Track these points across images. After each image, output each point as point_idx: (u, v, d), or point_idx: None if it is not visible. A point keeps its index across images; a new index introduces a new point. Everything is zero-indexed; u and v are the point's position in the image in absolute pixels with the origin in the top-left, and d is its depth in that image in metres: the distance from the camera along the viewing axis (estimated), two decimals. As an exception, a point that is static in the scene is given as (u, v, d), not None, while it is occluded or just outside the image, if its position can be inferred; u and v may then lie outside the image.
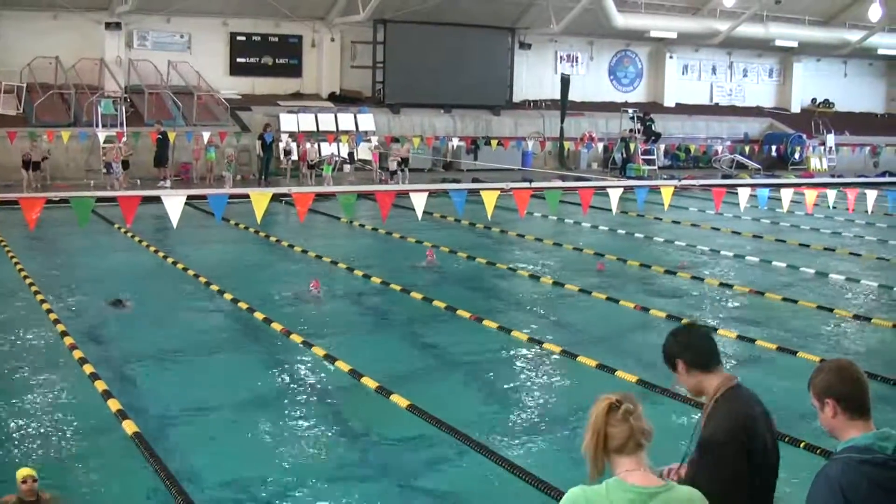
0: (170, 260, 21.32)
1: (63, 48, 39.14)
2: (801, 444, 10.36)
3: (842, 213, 30.93)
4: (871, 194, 20.85)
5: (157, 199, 15.23)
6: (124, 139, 34.86)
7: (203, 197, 18.56)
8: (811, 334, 16.38)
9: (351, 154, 40.40)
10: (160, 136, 35.12)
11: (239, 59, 44.25)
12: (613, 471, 4.32)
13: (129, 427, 10.36)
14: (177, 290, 19.06)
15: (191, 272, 19.86)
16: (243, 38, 44.16)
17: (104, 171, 33.62)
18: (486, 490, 9.65)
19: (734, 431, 5.18)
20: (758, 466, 5.27)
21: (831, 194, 21.54)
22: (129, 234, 23.88)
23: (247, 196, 16.28)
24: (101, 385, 11.92)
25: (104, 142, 34.65)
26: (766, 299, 18.85)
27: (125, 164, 33.56)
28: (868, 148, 54.85)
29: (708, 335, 5.70)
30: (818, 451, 9.80)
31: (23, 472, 8.65)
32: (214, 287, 18.42)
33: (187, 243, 23.96)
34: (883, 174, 50.85)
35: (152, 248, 22.59)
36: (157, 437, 10.53)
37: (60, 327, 14.98)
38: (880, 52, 57.43)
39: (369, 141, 40.94)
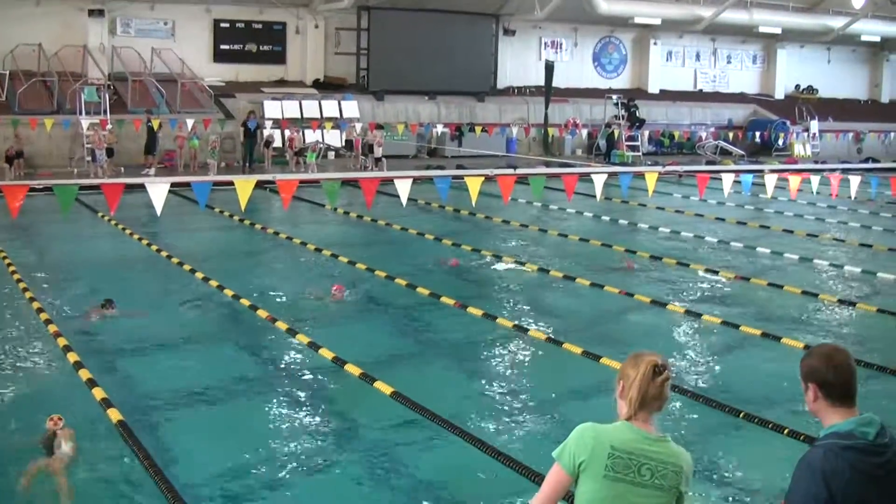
0: (154, 247, 21.26)
1: (46, 35, 38.95)
2: (786, 431, 10.38)
3: (825, 199, 31.00)
4: (855, 180, 20.91)
5: (142, 187, 15.18)
6: (108, 127, 34.72)
7: (187, 184, 18.48)
8: (796, 320, 16.42)
9: (349, 142, 40.11)
10: (148, 125, 35.02)
11: (222, 46, 44.10)
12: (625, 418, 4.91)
13: (113, 415, 10.34)
14: (161, 277, 19.02)
15: (175, 260, 19.81)
16: (227, 25, 44.01)
17: (88, 158, 33.54)
18: (471, 476, 9.65)
19: None
20: None
21: (815, 180, 21.64)
22: (113, 223, 23.80)
23: (231, 183, 16.25)
24: (85, 374, 11.88)
25: (87, 129, 34.50)
26: (750, 285, 18.91)
27: (109, 152, 33.45)
28: (851, 134, 55.02)
29: None
30: (801, 438, 9.82)
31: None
32: (199, 274, 18.38)
33: (172, 231, 23.94)
34: (866, 160, 50.99)
35: (136, 236, 22.53)
36: (142, 425, 10.50)
37: (44, 316, 14.91)
38: (863, 38, 57.59)
39: (353, 128, 40.81)
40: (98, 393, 11.10)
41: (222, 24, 43.90)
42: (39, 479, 9.22)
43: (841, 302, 17.56)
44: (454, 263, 20.20)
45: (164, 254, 20.53)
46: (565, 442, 4.86)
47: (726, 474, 9.81)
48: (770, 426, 10.69)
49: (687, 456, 4.91)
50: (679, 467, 4.81)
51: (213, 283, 17.68)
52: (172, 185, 15.97)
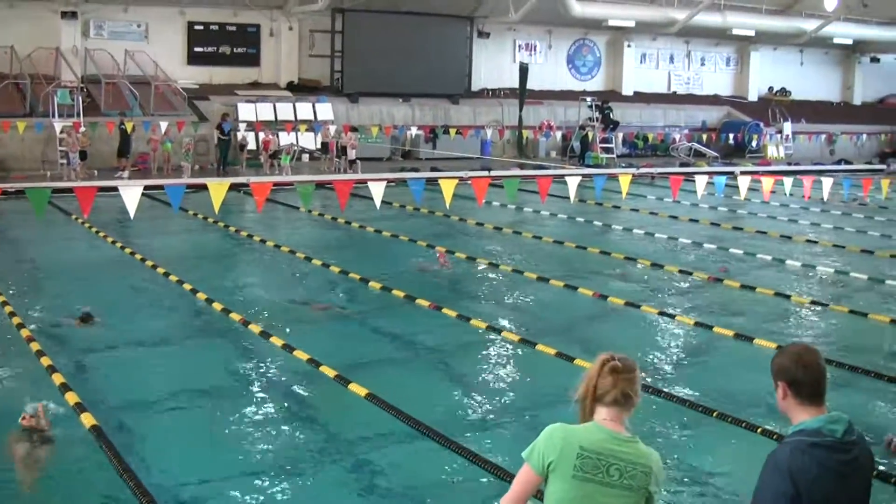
0: (127, 251, 21.19)
1: (18, 37, 38.74)
2: (759, 430, 10.43)
3: (798, 201, 31.16)
4: (827, 182, 21.04)
5: (115, 190, 15.13)
6: (82, 129, 34.59)
7: (160, 187, 18.43)
8: (768, 321, 16.47)
9: (325, 144, 39.94)
10: (122, 128, 34.89)
11: (196, 49, 43.98)
12: (595, 418, 4.96)
13: (87, 420, 10.30)
14: (134, 280, 18.92)
15: (149, 263, 19.75)
16: (201, 28, 43.90)
17: (63, 161, 33.41)
18: (445, 478, 9.66)
19: None
20: None
21: (788, 182, 21.72)
22: (87, 225, 23.71)
23: (205, 186, 16.22)
24: (58, 378, 11.83)
25: (60, 132, 34.37)
26: (723, 286, 18.97)
27: (83, 155, 33.33)
28: (824, 136, 55.31)
29: None
30: (774, 437, 9.87)
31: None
32: (173, 278, 18.32)
33: (145, 234, 23.85)
34: (839, 162, 51.27)
35: (110, 239, 22.44)
36: (115, 429, 10.47)
37: (17, 320, 14.85)
38: (836, 41, 57.83)
39: (328, 130, 40.71)
40: (71, 398, 11.06)
41: (196, 27, 43.78)
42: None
43: (813, 303, 17.64)
44: (441, 258, 20.09)
45: (137, 257, 20.46)
46: (535, 442, 4.91)
47: (699, 473, 9.85)
48: (743, 425, 10.75)
49: (656, 457, 4.95)
50: (648, 468, 4.85)
51: (187, 286, 17.62)
52: (146, 187, 15.94)
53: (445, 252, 21.07)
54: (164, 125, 36.22)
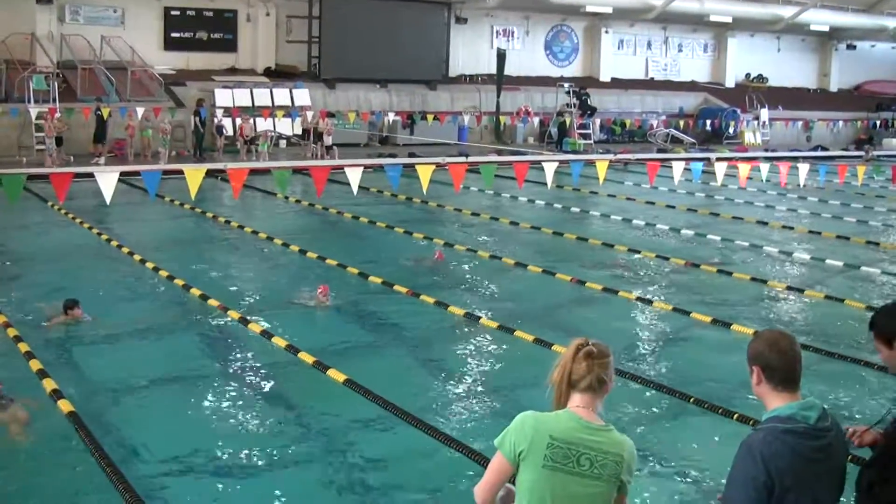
0: (104, 237, 21.09)
1: (-7, 23, 38.52)
2: (735, 416, 10.47)
3: (775, 187, 31.27)
4: (804, 168, 21.11)
5: (91, 176, 15.08)
6: (57, 115, 34.36)
7: (137, 173, 18.36)
8: (745, 306, 16.56)
9: (305, 130, 39.80)
10: (97, 113, 34.70)
11: (173, 34, 43.73)
12: (569, 405, 4.94)
13: (64, 406, 10.28)
14: (111, 266, 18.86)
15: (125, 249, 19.66)
16: (177, 13, 43.67)
17: (41, 147, 33.21)
18: (423, 463, 9.70)
19: None
20: None
21: (764, 168, 21.79)
22: (63, 212, 23.60)
23: (181, 172, 16.17)
24: (35, 364, 11.80)
25: (35, 118, 34.19)
26: (700, 272, 19.04)
27: (58, 141, 33.14)
28: (801, 122, 55.47)
29: None
30: (751, 423, 9.90)
31: None
32: (150, 264, 18.25)
33: (122, 220, 23.76)
34: (815, 148, 51.46)
35: (86, 225, 22.34)
36: (93, 416, 10.44)
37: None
38: (812, 27, 58.11)
39: (303, 116, 40.57)
40: (48, 384, 11.03)
41: (173, 12, 43.54)
42: None
43: (790, 288, 17.72)
44: (439, 257, 19.98)
45: (114, 243, 20.38)
46: (506, 430, 4.92)
47: (676, 458, 9.89)
48: (720, 411, 10.79)
49: (629, 445, 4.94)
50: (620, 456, 4.84)
51: (164, 272, 17.56)
52: (122, 174, 15.88)
53: (443, 246, 20.86)
54: (140, 111, 35.97)
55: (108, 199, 14.58)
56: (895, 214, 29.03)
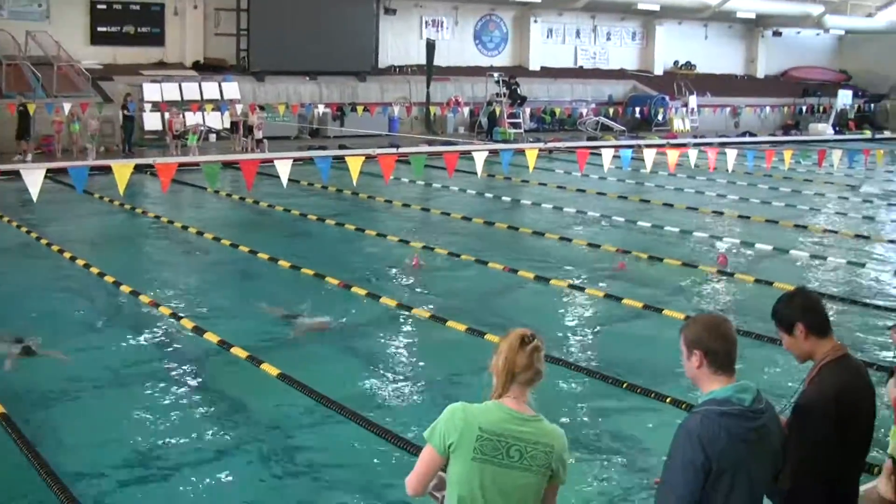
0: (33, 235, 20.79)
1: (-87, 19, 37.85)
2: (668, 400, 10.55)
3: (704, 173, 31.55)
4: (732, 154, 21.28)
5: (17, 174, 14.88)
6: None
7: (64, 170, 18.14)
8: (676, 291, 16.70)
9: (234, 124, 39.43)
10: (21, 109, 34.21)
11: (100, 29, 43.16)
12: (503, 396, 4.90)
13: (-8, 407, 10.14)
14: (39, 265, 18.63)
15: (55, 247, 19.40)
16: (104, 7, 43.08)
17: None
18: (357, 455, 9.67)
19: (829, 400, 5.29)
20: (849, 438, 5.37)
21: (693, 154, 21.94)
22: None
23: (110, 168, 15.99)
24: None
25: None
26: (632, 258, 19.14)
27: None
28: (729, 109, 55.97)
29: (820, 299, 5.70)
30: (683, 406, 9.97)
31: None
32: (80, 261, 18.04)
33: (50, 218, 23.39)
34: (743, 134, 51.97)
35: (14, 224, 22.00)
36: (25, 418, 10.30)
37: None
38: (739, 15, 58.72)
39: (232, 109, 40.25)
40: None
41: (99, 6, 42.94)
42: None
43: (720, 273, 17.88)
44: (416, 263, 19.76)
45: (43, 241, 20.09)
46: (436, 422, 4.88)
47: (611, 445, 9.94)
48: (653, 395, 10.86)
49: (559, 434, 4.92)
50: (550, 446, 4.82)
51: (94, 269, 17.35)
52: (49, 171, 15.71)
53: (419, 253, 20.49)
54: (67, 107, 35.48)
55: (34, 197, 14.38)
56: (822, 198, 29.44)
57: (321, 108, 44.23)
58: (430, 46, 47.80)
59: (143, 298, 15.27)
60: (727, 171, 23.80)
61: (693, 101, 54.72)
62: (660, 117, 52.39)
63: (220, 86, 42.54)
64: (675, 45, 60.01)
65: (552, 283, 16.85)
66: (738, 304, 16.02)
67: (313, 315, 14.79)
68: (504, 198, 27.82)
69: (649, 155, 20.66)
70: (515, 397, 4.85)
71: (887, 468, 7.34)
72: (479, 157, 19.33)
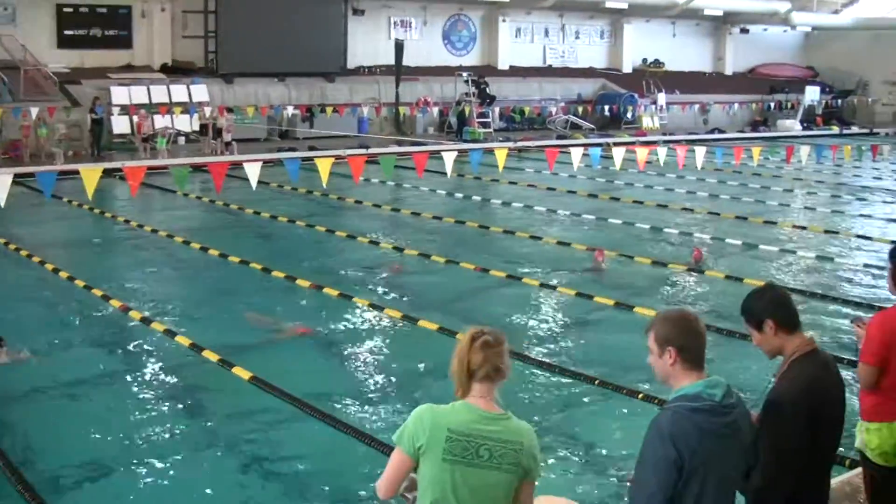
0: (1, 240, 20.62)
1: None
2: (640, 396, 10.58)
3: (673, 170, 31.65)
4: (701, 151, 21.38)
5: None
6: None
7: (32, 175, 18.03)
8: (647, 288, 16.75)
9: (204, 126, 39.22)
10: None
11: (67, 32, 42.83)
12: (467, 395, 4.91)
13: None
14: (8, 269, 18.53)
15: (24, 252, 19.30)
16: (70, 10, 42.82)
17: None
18: (332, 456, 9.67)
19: (800, 395, 5.30)
20: (820, 432, 5.37)
21: (662, 152, 22.02)
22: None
23: (77, 172, 15.92)
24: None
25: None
26: (602, 256, 19.16)
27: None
28: (697, 106, 56.12)
29: (790, 295, 5.72)
30: (655, 402, 10.00)
31: None
32: (49, 266, 17.95)
33: (18, 223, 23.23)
34: (712, 131, 52.17)
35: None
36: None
37: None
38: (707, 12, 58.86)
39: (201, 112, 40.08)
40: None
41: (66, 9, 42.67)
42: None
43: (690, 270, 17.94)
44: (397, 269, 19.66)
45: (11, 246, 19.97)
46: (404, 425, 4.88)
47: (583, 441, 9.96)
48: (624, 391, 10.89)
49: (528, 431, 4.92)
50: (520, 444, 4.82)
51: (63, 273, 17.27)
52: (17, 176, 15.60)
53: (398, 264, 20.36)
54: (34, 111, 35.30)
55: (2, 202, 14.28)
56: (791, 194, 29.60)
57: (290, 110, 44.08)
58: (399, 47, 47.74)
59: (114, 302, 15.21)
60: (696, 168, 23.91)
61: (662, 98, 54.84)
62: (629, 115, 52.45)
63: (188, 88, 42.34)
64: (644, 43, 60.09)
65: (524, 281, 16.90)
66: (709, 301, 16.07)
67: (285, 317, 14.79)
68: (474, 197, 27.86)
69: (619, 153, 20.72)
70: (482, 396, 4.86)
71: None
72: (449, 157, 19.33)
